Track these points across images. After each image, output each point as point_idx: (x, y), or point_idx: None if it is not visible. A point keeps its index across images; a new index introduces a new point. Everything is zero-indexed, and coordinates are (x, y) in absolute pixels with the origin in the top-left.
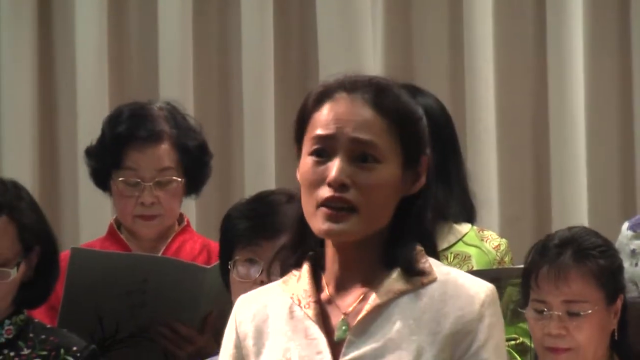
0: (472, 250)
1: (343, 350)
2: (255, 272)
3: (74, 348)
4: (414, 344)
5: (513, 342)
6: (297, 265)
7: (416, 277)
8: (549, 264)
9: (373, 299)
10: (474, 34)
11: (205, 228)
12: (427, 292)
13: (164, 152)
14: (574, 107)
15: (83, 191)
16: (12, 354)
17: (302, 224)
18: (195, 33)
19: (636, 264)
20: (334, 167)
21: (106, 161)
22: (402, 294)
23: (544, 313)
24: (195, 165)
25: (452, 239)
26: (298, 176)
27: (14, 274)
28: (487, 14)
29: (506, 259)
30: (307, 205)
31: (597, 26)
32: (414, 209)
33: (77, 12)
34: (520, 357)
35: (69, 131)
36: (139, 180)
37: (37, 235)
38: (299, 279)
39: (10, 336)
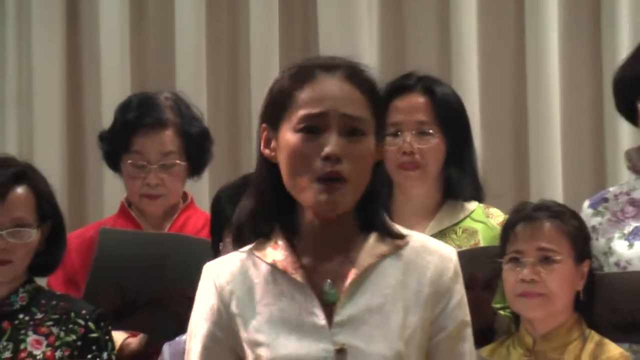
0: (478, 226)
1: (336, 310)
2: None
3: (83, 312)
4: (401, 303)
5: (509, 311)
6: (265, 234)
7: (391, 240)
8: (526, 220)
9: (360, 262)
10: (460, 28)
11: None
12: (405, 255)
13: (168, 138)
14: (550, 97)
15: (107, 171)
16: (27, 318)
17: (273, 194)
18: (208, 30)
19: (597, 239)
20: (330, 141)
21: (116, 145)
22: (384, 256)
23: (519, 261)
24: (197, 150)
25: (460, 215)
26: (266, 151)
27: (34, 235)
28: (472, 10)
29: None
30: (297, 180)
31: (570, 20)
32: (377, 173)
33: (102, 10)
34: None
35: (94, 117)
36: (145, 163)
37: (50, 208)
38: (275, 247)
39: (24, 303)
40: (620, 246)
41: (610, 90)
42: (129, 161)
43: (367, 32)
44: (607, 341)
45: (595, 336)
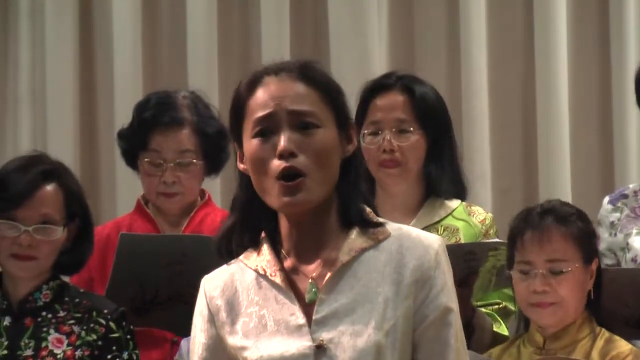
0: (460, 224)
1: (315, 308)
2: None
3: (105, 310)
4: (381, 295)
5: (497, 307)
6: (252, 244)
7: (373, 233)
8: (533, 228)
9: (338, 259)
10: (469, 27)
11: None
12: (385, 247)
13: (185, 137)
14: (558, 95)
15: (119, 169)
16: (49, 316)
17: (250, 205)
18: (220, 30)
19: (615, 234)
20: (281, 139)
21: (134, 143)
22: (363, 250)
23: (529, 272)
24: (213, 149)
25: (442, 213)
26: (241, 166)
27: (60, 233)
28: (481, 11)
29: (491, 231)
30: (262, 183)
31: (578, 19)
32: (352, 168)
33: (115, 9)
34: (503, 320)
35: (107, 115)
36: (162, 161)
37: (79, 207)
38: (260, 254)
39: (48, 300)
40: (637, 242)
41: (618, 88)
42: (146, 159)
43: (377, 33)
44: (617, 338)
45: (605, 333)
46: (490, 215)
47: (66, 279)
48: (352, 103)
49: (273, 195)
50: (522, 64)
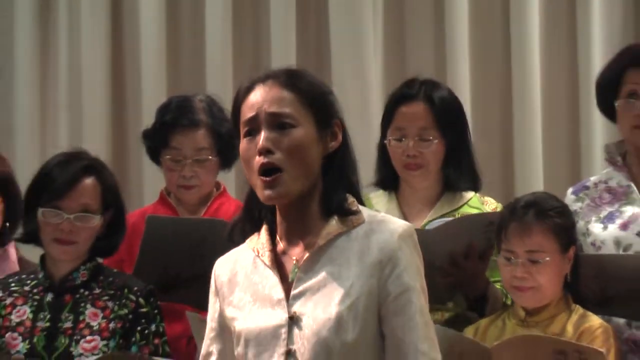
0: (474, 212)
1: (293, 285)
2: None
3: (135, 288)
4: (347, 274)
5: (500, 284)
6: (257, 229)
7: (350, 220)
8: (516, 221)
9: (316, 243)
10: (453, 38)
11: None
12: (357, 231)
13: (201, 136)
14: (532, 98)
15: (146, 164)
16: (86, 292)
17: (251, 198)
18: (234, 39)
19: (577, 221)
20: (260, 138)
21: (157, 142)
22: (337, 235)
23: (511, 260)
24: (226, 147)
25: (458, 202)
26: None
27: (97, 221)
28: (464, 21)
29: None
30: (251, 179)
31: (549, 33)
32: (335, 162)
33: (142, 23)
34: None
35: (135, 117)
36: (181, 157)
37: (113, 198)
38: (259, 237)
39: (85, 279)
40: (596, 228)
41: (585, 93)
42: (168, 156)
43: (372, 39)
44: (589, 314)
45: (579, 310)
46: (500, 204)
47: (101, 260)
48: (350, 100)
49: (258, 190)
50: (501, 71)
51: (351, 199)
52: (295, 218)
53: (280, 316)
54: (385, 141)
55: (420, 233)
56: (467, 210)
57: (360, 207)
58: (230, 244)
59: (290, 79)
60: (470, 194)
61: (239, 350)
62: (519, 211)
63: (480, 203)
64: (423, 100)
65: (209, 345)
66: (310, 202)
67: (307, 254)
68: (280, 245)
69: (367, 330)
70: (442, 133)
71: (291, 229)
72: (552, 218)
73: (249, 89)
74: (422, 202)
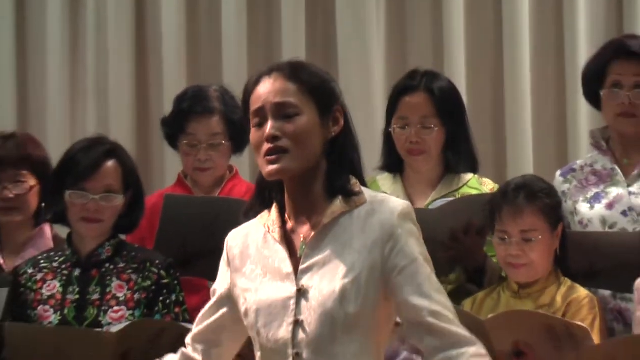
0: (473, 192)
1: (301, 260)
2: None
3: (156, 262)
4: (350, 251)
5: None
6: (267, 207)
7: (352, 200)
8: (508, 204)
9: (321, 222)
10: (450, 33)
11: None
12: (360, 211)
13: (215, 123)
14: (522, 87)
15: (167, 150)
16: (111, 267)
17: (262, 181)
18: (249, 35)
19: (565, 201)
20: (268, 127)
21: (175, 128)
22: (341, 214)
23: (506, 240)
24: (238, 133)
25: (458, 183)
26: None
27: (120, 200)
28: (460, 17)
29: None
30: (259, 162)
31: (539, 29)
32: (337, 146)
33: (164, 18)
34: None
35: (157, 105)
36: (197, 142)
37: (133, 179)
38: (270, 214)
39: (110, 254)
40: (583, 208)
41: (571, 83)
42: (184, 141)
43: (375, 34)
44: (577, 286)
45: (568, 282)
46: (497, 185)
47: (123, 237)
48: (355, 91)
49: (263, 169)
50: (493, 62)
51: (354, 180)
52: (302, 198)
53: (289, 289)
54: (390, 129)
55: (424, 212)
56: (467, 190)
57: (363, 188)
58: (244, 221)
59: (293, 71)
60: (469, 176)
61: (249, 320)
62: (510, 194)
63: (479, 184)
64: (424, 91)
65: (212, 307)
66: (315, 183)
67: (313, 233)
68: (289, 224)
69: (367, 303)
70: (442, 121)
71: (298, 208)
72: (542, 199)
73: (257, 82)
74: (425, 184)
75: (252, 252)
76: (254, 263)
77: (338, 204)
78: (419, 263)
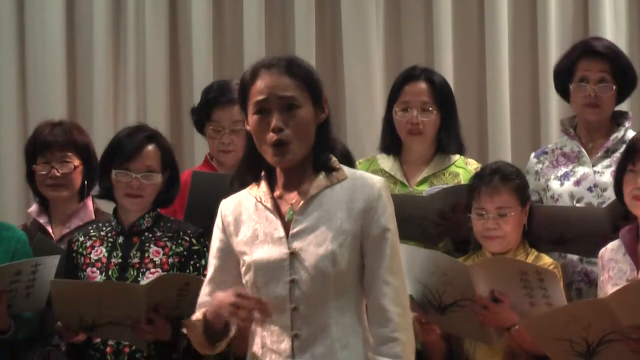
0: (460, 170)
1: (292, 225)
2: None
3: (188, 231)
4: (337, 218)
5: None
6: (255, 180)
7: (334, 176)
8: (485, 185)
9: (308, 192)
10: (439, 29)
11: None
12: (343, 185)
13: (237, 111)
14: (501, 80)
15: (196, 136)
16: (150, 235)
17: (253, 154)
18: (267, 35)
19: (538, 179)
20: (274, 118)
21: (202, 116)
22: (325, 187)
23: (483, 215)
24: None
25: (447, 163)
26: (247, 127)
27: (159, 179)
28: (448, 17)
29: None
30: (261, 147)
31: (515, 27)
32: (322, 130)
33: (194, 19)
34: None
35: (188, 96)
36: (220, 128)
37: (170, 160)
38: (259, 187)
39: (149, 225)
40: (554, 185)
41: (543, 78)
42: (210, 127)
43: (375, 32)
44: (542, 254)
45: (534, 252)
46: (480, 165)
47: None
48: (357, 82)
49: (268, 156)
50: (477, 58)
51: (334, 158)
52: (292, 173)
53: (282, 251)
54: (393, 113)
55: (419, 198)
56: (454, 169)
57: (344, 167)
58: (232, 191)
59: (289, 66)
60: (456, 157)
61: (247, 278)
62: (487, 177)
63: (465, 163)
64: (424, 80)
65: (217, 265)
66: (305, 161)
67: (302, 201)
68: (277, 192)
69: (353, 262)
70: (438, 107)
71: (287, 180)
72: (514, 180)
73: (255, 74)
74: (419, 162)
75: (245, 219)
76: (248, 229)
77: (322, 178)
78: (390, 232)
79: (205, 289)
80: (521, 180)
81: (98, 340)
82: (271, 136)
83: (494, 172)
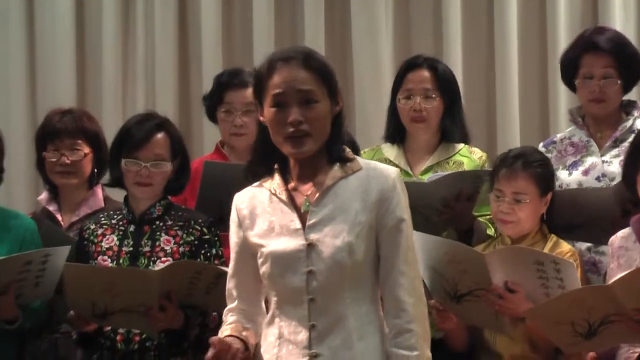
0: (464, 159)
1: (308, 217)
2: None
3: (199, 220)
4: (353, 209)
5: (488, 216)
6: (268, 173)
7: (348, 166)
8: (506, 168)
9: (324, 183)
10: (448, 22)
11: None
12: (357, 175)
13: (249, 93)
14: (510, 70)
15: (205, 124)
16: (161, 224)
17: (266, 146)
18: (276, 27)
19: None
20: (292, 112)
21: (214, 100)
22: (341, 178)
23: (500, 198)
24: None
25: (451, 151)
26: (262, 119)
27: (168, 167)
28: (457, 10)
29: (485, 165)
30: (277, 138)
31: (525, 20)
32: (337, 122)
33: (203, 14)
34: (492, 224)
35: (197, 87)
36: (232, 110)
37: (180, 149)
38: (273, 179)
39: (160, 213)
40: (562, 174)
41: (552, 68)
42: (222, 110)
43: (384, 26)
44: (561, 241)
45: (553, 238)
46: (485, 154)
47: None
48: (366, 75)
49: (285, 148)
50: (486, 48)
51: (348, 149)
52: (306, 164)
53: (299, 243)
54: (397, 101)
55: (422, 185)
56: (458, 158)
57: (358, 158)
58: (246, 183)
59: (307, 61)
60: (460, 145)
61: (264, 269)
62: (509, 160)
63: (469, 152)
64: (427, 68)
65: (237, 264)
66: (318, 152)
67: (317, 193)
68: (291, 184)
69: (369, 253)
70: (441, 94)
71: (302, 172)
72: (535, 168)
73: (272, 67)
74: (423, 151)
75: (260, 212)
76: (263, 222)
77: (337, 169)
78: (405, 223)
79: (229, 283)
80: (544, 170)
81: (109, 328)
82: (289, 129)
83: (517, 157)
